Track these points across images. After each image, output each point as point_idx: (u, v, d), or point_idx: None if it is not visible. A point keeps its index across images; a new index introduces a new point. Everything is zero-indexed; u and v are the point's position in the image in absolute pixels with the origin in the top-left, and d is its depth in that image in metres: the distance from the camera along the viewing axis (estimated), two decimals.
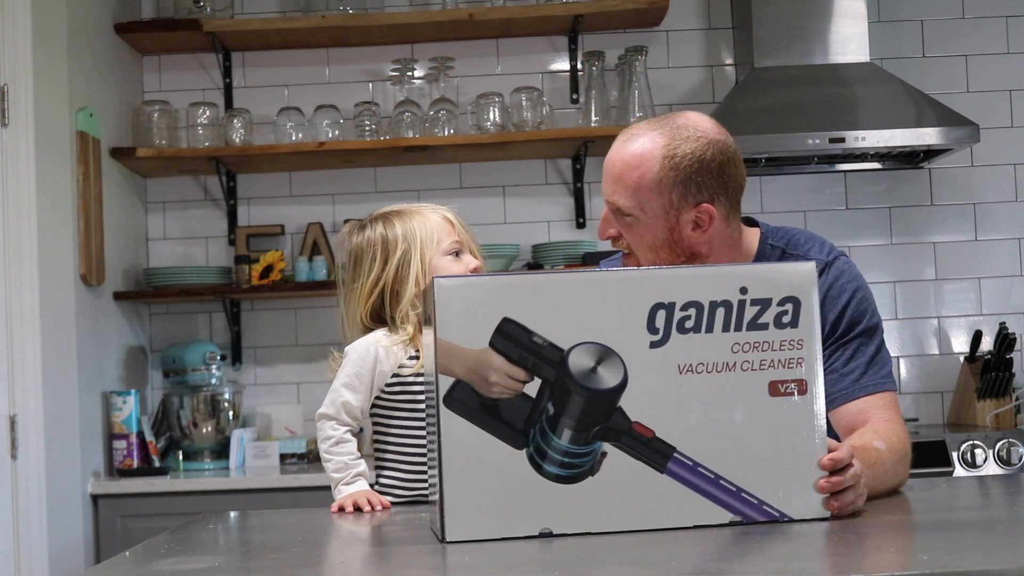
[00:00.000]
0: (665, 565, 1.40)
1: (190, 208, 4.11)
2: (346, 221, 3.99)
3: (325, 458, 2.10)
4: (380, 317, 2.15)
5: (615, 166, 1.94)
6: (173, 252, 4.09)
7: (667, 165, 1.90)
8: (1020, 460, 3.46)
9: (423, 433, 2.10)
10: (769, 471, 1.54)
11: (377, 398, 2.12)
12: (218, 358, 3.82)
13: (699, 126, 1.94)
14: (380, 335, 2.11)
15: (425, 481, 2.10)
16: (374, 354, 2.10)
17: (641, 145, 1.92)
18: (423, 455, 2.10)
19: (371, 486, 2.11)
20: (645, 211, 1.92)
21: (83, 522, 3.40)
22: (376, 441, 2.17)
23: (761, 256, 2.03)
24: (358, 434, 2.15)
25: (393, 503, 2.10)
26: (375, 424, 2.16)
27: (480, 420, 1.49)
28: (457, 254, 2.14)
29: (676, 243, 1.94)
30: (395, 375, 2.10)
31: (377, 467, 2.16)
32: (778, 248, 2.04)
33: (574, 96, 4.10)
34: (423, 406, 2.10)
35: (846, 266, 2.03)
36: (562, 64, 4.13)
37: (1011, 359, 3.81)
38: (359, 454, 2.12)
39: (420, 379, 2.10)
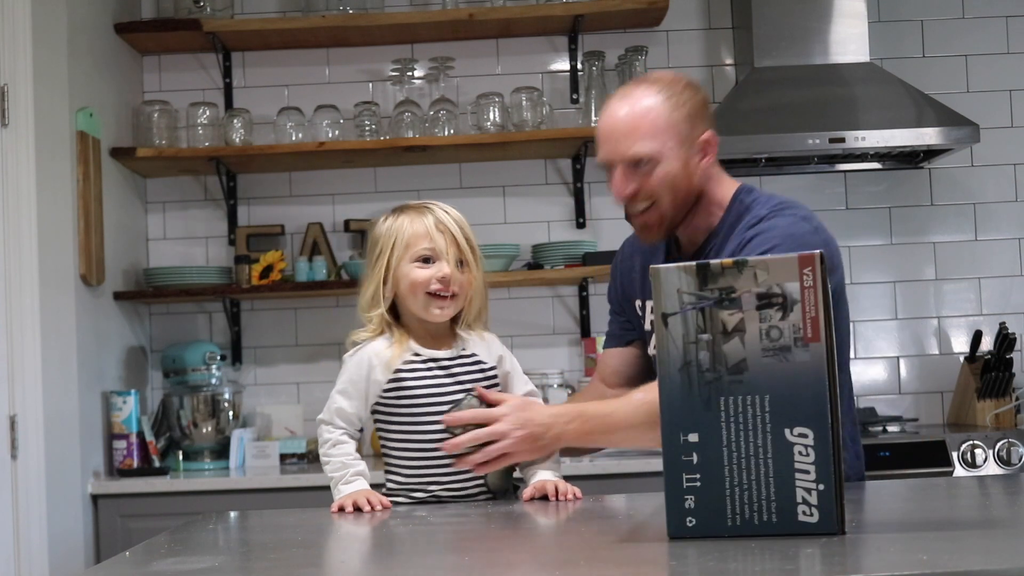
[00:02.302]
0: (664, 565, 1.40)
1: (190, 208, 4.11)
2: (346, 222, 4.01)
3: (324, 460, 2.12)
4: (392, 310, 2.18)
5: (623, 122, 2.13)
6: (173, 252, 4.09)
7: (671, 105, 2.13)
8: (1020, 460, 3.46)
9: (422, 436, 2.11)
10: None
11: (377, 404, 2.13)
12: (218, 358, 3.82)
13: (673, 76, 2.21)
14: (377, 344, 2.13)
15: (428, 482, 2.10)
16: (367, 364, 2.11)
17: (640, 98, 2.14)
18: (423, 457, 2.11)
19: (376, 486, 2.12)
20: (664, 149, 2.11)
21: (83, 522, 3.40)
22: (382, 446, 2.18)
23: (728, 212, 2.18)
24: (358, 436, 2.16)
25: (398, 503, 2.11)
26: (378, 429, 2.17)
27: None
28: (427, 260, 2.13)
29: (689, 177, 2.13)
30: (391, 380, 2.11)
31: (385, 471, 2.17)
32: (745, 203, 2.18)
33: (574, 96, 4.10)
34: (421, 410, 2.10)
35: (781, 222, 2.09)
36: (562, 64, 4.13)
37: (1011, 359, 3.81)
38: (357, 454, 2.13)
39: (417, 383, 2.11)
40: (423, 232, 2.13)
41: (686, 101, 2.14)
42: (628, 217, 2.21)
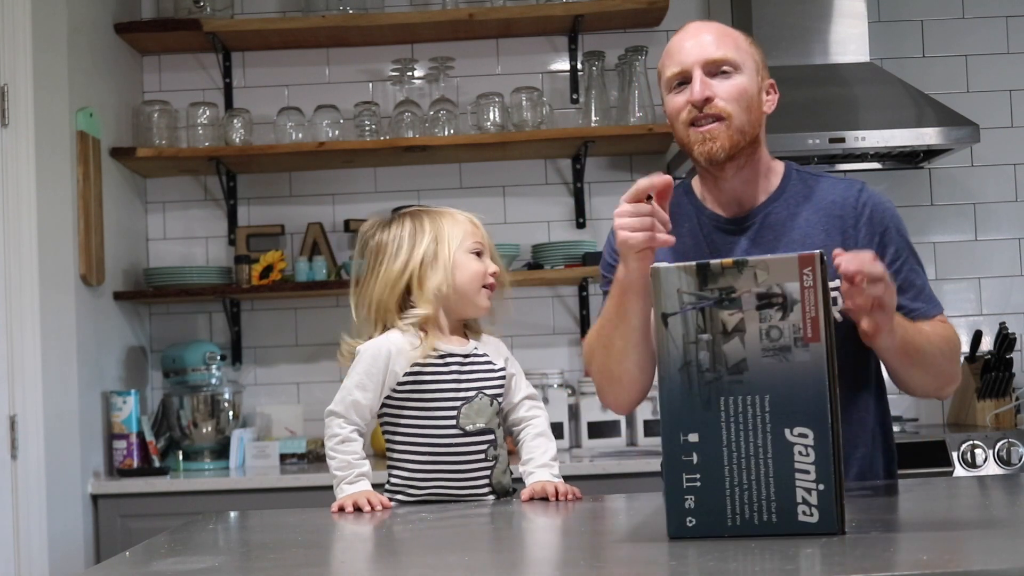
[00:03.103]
0: (664, 565, 1.40)
1: (190, 208, 4.11)
2: (346, 222, 4.01)
3: (330, 455, 2.12)
4: (402, 306, 2.18)
5: (712, 30, 2.14)
6: (173, 252, 4.09)
7: (749, 40, 2.16)
8: (1020, 460, 3.45)
9: (432, 431, 2.11)
10: None
11: (388, 397, 2.14)
12: (218, 358, 3.82)
13: None
14: (394, 335, 2.14)
15: (433, 479, 2.11)
16: (386, 354, 2.12)
17: (723, 24, 2.18)
18: (431, 453, 2.11)
19: (379, 486, 2.12)
20: (745, 65, 2.11)
21: (83, 522, 3.40)
22: (387, 441, 2.18)
23: (787, 178, 2.17)
24: (366, 430, 2.17)
25: (402, 502, 2.11)
26: (384, 424, 2.17)
27: None
28: (479, 254, 2.20)
29: (758, 107, 2.12)
30: (407, 373, 2.12)
31: (388, 467, 2.18)
32: (804, 173, 2.19)
33: (574, 96, 4.10)
34: (434, 404, 2.11)
35: (877, 192, 2.19)
36: (562, 64, 4.13)
37: (1011, 359, 3.81)
38: (364, 454, 2.13)
39: (434, 377, 2.12)
40: (472, 228, 2.21)
41: (758, 47, 2.17)
42: (689, 131, 2.11)
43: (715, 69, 2.09)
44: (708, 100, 2.08)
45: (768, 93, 2.16)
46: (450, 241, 2.18)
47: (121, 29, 3.87)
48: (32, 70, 3.28)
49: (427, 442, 2.11)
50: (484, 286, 2.18)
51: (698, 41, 2.11)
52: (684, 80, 2.11)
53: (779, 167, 2.20)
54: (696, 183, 2.24)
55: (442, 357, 2.13)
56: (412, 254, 2.18)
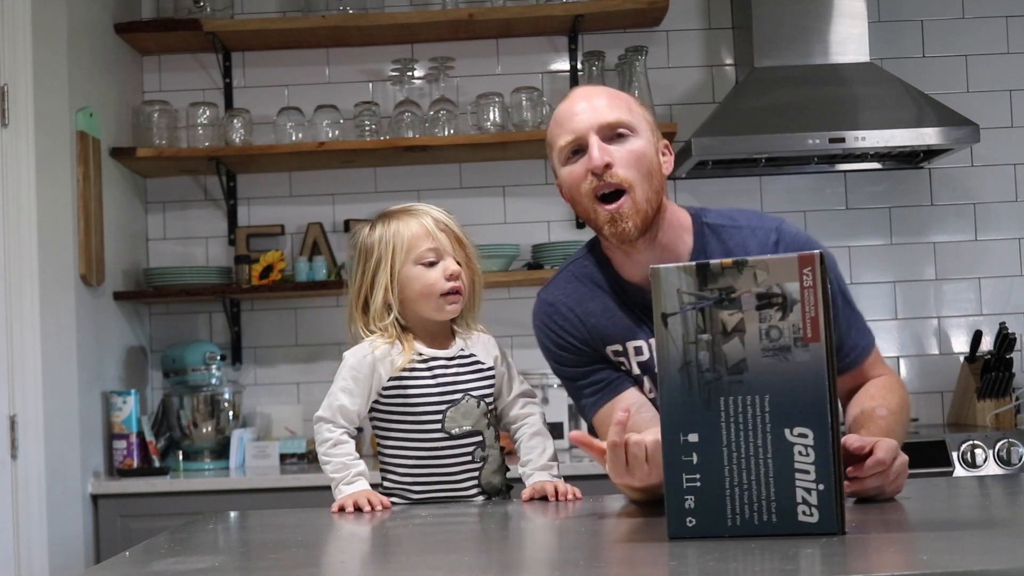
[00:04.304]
0: (664, 565, 1.40)
1: (190, 208, 4.11)
2: (346, 222, 4.02)
3: (323, 460, 2.11)
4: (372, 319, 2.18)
5: (603, 93, 2.06)
6: (173, 252, 4.09)
7: (638, 101, 2.07)
8: (1020, 460, 3.45)
9: (420, 435, 2.11)
10: None
11: (375, 403, 2.13)
12: (218, 358, 3.82)
13: None
14: (377, 340, 2.13)
15: (423, 481, 2.11)
16: (371, 359, 2.11)
17: (608, 88, 2.12)
18: (420, 456, 2.11)
19: (374, 487, 2.12)
20: (640, 127, 2.01)
21: (83, 522, 3.40)
22: (378, 445, 2.19)
23: (699, 236, 2.06)
24: (356, 436, 2.16)
25: (395, 502, 2.11)
26: (374, 428, 2.17)
27: None
28: (432, 262, 2.13)
29: (658, 169, 2.02)
30: (391, 379, 2.11)
31: (380, 470, 2.18)
32: (713, 226, 2.07)
33: None
34: (420, 409, 2.11)
35: (796, 227, 2.09)
36: (562, 64, 4.13)
37: (1011, 359, 3.81)
38: (357, 454, 2.13)
39: (417, 382, 2.11)
40: (424, 233, 2.14)
41: (647, 107, 2.08)
42: (597, 207, 2.01)
43: (610, 133, 1.98)
44: (608, 167, 1.97)
45: (664, 154, 2.06)
46: (393, 258, 2.12)
47: (121, 29, 3.87)
48: (32, 70, 3.28)
49: (414, 446, 2.11)
50: (446, 292, 2.12)
51: (590, 105, 2.01)
52: (579, 148, 2.00)
53: (687, 221, 2.08)
54: (604, 246, 2.14)
55: (425, 362, 2.13)
56: (363, 275, 2.16)
